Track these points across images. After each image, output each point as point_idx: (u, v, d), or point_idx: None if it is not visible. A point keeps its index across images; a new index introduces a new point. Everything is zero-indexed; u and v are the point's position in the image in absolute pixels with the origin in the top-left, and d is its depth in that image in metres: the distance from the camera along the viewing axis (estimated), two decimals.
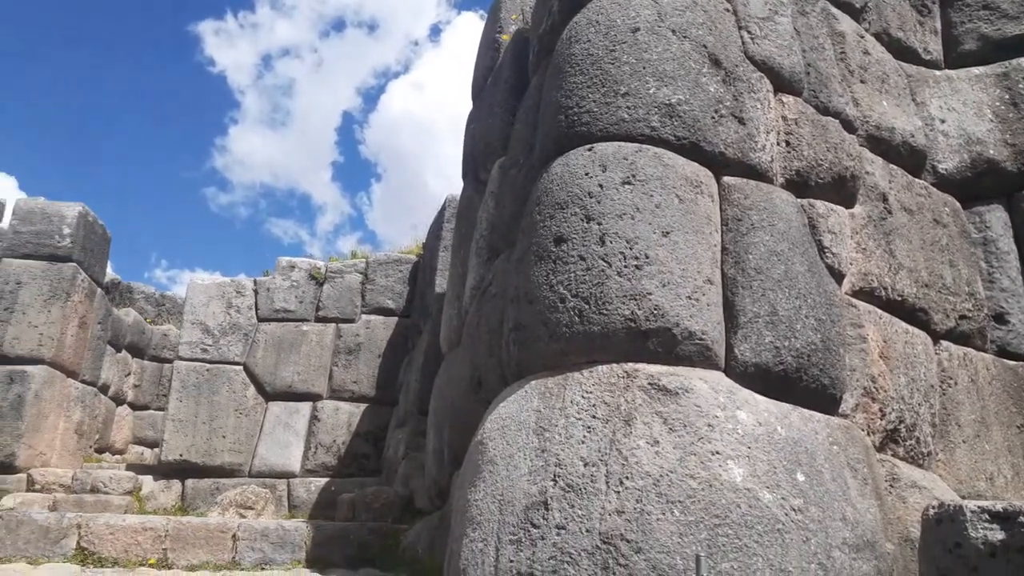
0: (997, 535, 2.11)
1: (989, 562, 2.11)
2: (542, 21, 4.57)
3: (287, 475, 8.75)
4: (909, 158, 4.90)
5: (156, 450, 9.92)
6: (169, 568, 5.19)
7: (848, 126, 4.47)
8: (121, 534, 5.30)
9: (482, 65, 6.27)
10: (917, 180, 4.93)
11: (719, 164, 3.72)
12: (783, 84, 4.17)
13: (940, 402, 4.38)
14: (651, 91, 3.63)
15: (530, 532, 2.95)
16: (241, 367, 9.07)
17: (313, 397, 9.19)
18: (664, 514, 2.83)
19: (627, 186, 3.45)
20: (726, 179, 3.74)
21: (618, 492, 2.89)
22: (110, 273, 10.80)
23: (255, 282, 9.48)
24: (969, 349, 4.69)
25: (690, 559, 2.75)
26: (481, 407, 4.14)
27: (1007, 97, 5.30)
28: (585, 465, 3.00)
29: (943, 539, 2.25)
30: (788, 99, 4.17)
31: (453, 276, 5.96)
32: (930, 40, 5.58)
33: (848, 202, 4.30)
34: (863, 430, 3.82)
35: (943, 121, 5.21)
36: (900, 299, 4.36)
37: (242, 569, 5.30)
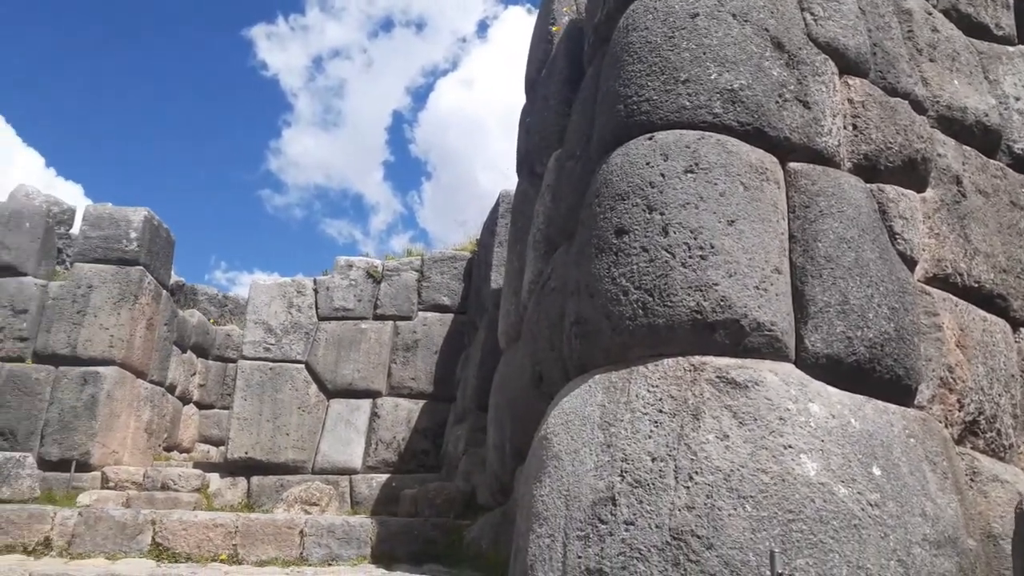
0: None
1: None
2: (597, 10, 4.51)
3: (349, 471, 8.85)
4: (983, 138, 4.70)
5: (222, 448, 10.14)
6: (240, 563, 5.30)
7: (918, 107, 4.31)
8: (193, 530, 5.43)
9: (535, 58, 6.24)
10: (992, 161, 4.74)
11: (784, 150, 3.62)
12: (848, 66, 4.04)
13: (1021, 392, 4.21)
14: (712, 77, 3.55)
15: (598, 528, 2.92)
16: (303, 365, 9.20)
17: (373, 394, 9.28)
18: (736, 509, 2.77)
19: (690, 175, 3.38)
20: (792, 165, 3.65)
21: (687, 487, 2.84)
22: (174, 276, 11.09)
23: (315, 281, 9.61)
24: None
25: (763, 555, 2.69)
26: (543, 402, 4.12)
27: None
28: (653, 460, 2.95)
29: None
30: (854, 81, 4.04)
31: (509, 271, 5.94)
32: (1002, 15, 5.35)
33: (919, 186, 4.15)
34: (941, 422, 3.69)
35: (1018, 99, 5.00)
36: (977, 285, 4.19)
37: (309, 565, 5.38)
